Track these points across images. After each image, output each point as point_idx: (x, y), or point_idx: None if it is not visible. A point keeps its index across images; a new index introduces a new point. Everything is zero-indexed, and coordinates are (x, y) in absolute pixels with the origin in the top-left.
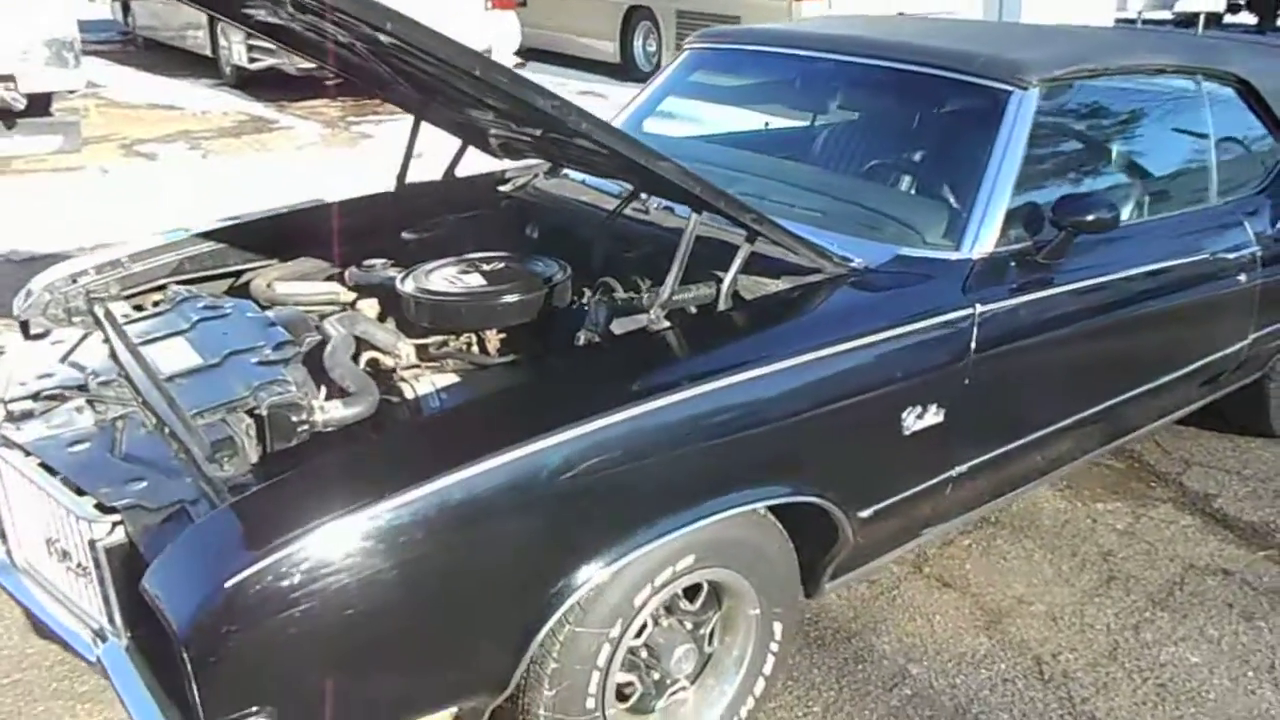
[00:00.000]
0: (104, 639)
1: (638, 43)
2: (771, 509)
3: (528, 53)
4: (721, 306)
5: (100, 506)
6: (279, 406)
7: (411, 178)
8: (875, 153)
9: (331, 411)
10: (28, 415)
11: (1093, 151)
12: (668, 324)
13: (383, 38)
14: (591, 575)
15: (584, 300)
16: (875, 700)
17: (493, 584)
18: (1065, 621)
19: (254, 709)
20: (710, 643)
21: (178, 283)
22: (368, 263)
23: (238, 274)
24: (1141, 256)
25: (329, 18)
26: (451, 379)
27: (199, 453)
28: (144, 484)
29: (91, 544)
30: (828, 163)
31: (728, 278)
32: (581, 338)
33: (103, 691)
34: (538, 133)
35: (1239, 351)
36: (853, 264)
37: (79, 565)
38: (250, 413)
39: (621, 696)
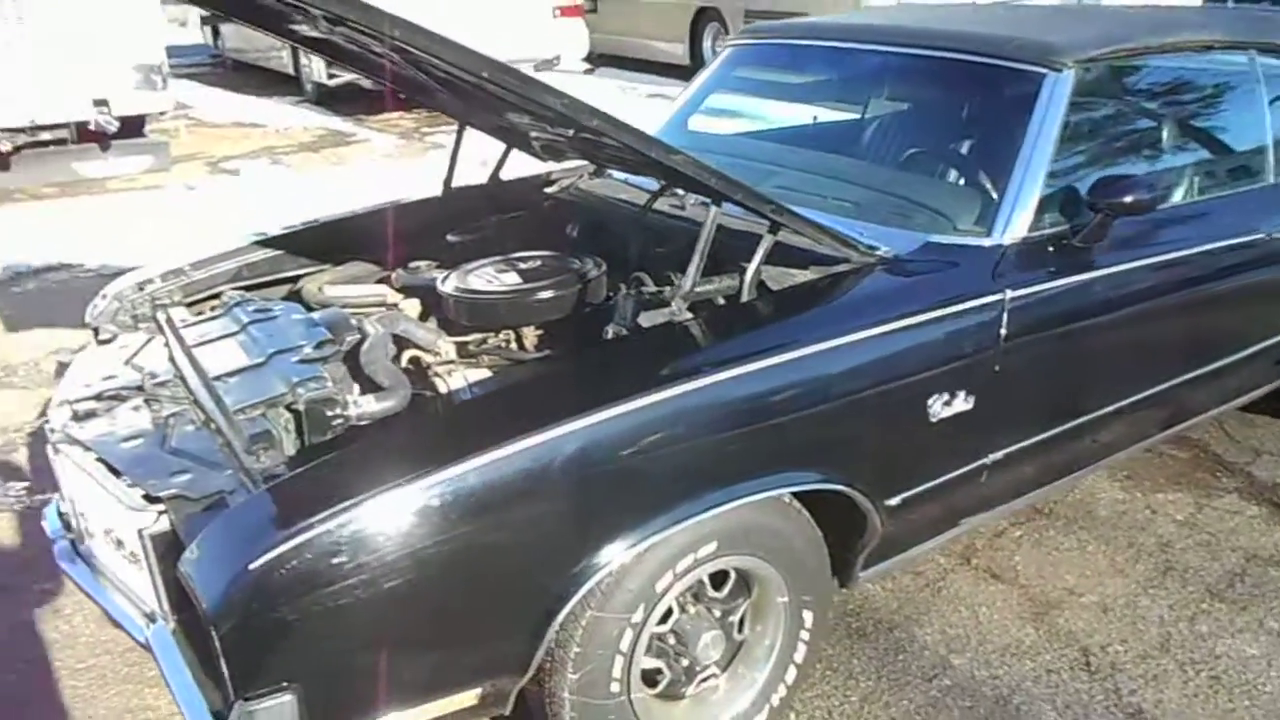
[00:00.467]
0: (153, 622)
1: (707, 44)
2: (798, 497)
3: (598, 58)
4: (746, 297)
5: (147, 497)
6: (315, 401)
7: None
8: (910, 142)
9: (365, 406)
10: (90, 414)
11: (1134, 132)
12: (690, 315)
13: (387, 43)
14: (611, 559)
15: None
16: (914, 690)
17: (514, 567)
18: (1116, 613)
19: (282, 686)
20: (740, 630)
21: (236, 288)
22: (413, 265)
23: (294, 279)
24: (1188, 238)
25: (347, 25)
26: (484, 374)
27: (238, 445)
28: (188, 476)
29: (139, 532)
30: (863, 153)
31: (751, 268)
32: (610, 331)
33: None
34: (570, 133)
35: None
36: (880, 252)
37: (131, 553)
38: (289, 408)
39: (651, 683)
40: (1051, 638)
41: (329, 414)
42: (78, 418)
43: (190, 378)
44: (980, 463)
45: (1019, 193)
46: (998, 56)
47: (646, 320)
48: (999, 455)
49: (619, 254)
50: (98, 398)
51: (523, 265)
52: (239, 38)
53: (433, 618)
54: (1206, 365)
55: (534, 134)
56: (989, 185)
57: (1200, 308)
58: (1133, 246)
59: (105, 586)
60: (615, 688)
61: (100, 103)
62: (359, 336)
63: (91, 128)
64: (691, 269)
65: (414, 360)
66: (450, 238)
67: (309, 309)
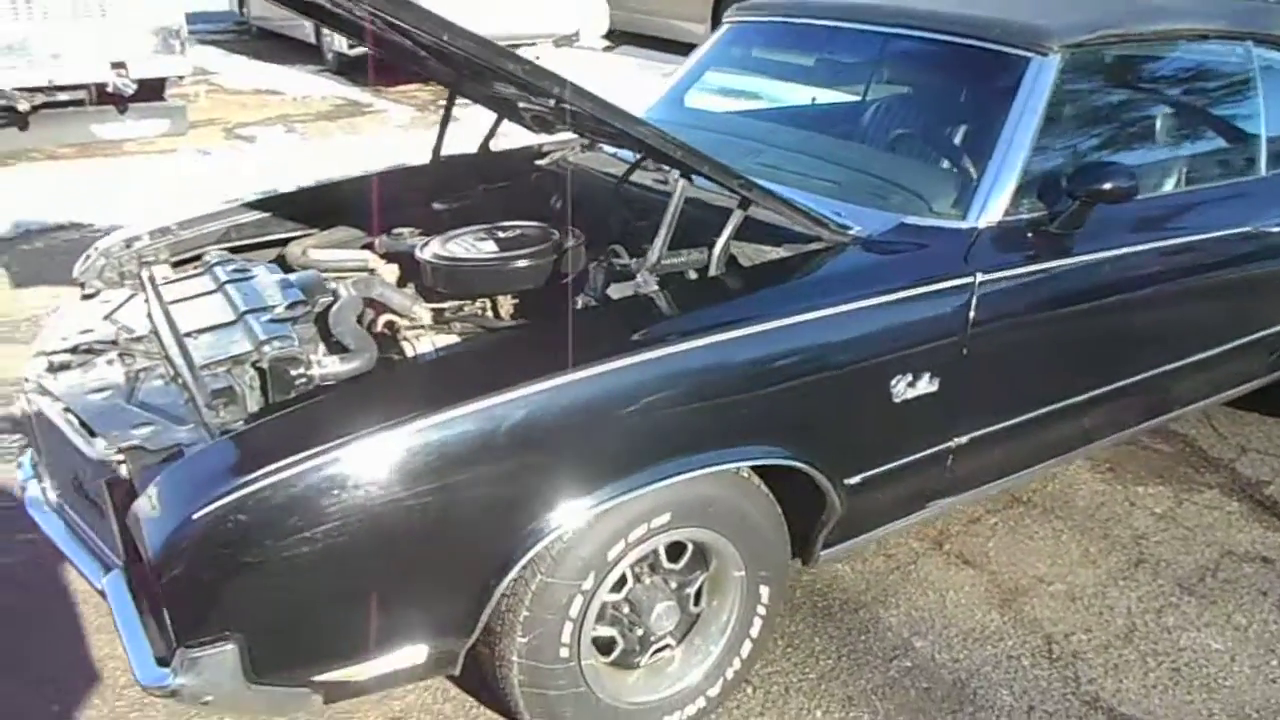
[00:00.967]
0: (109, 570)
1: None
2: (757, 473)
3: (620, 36)
4: (714, 271)
5: (109, 448)
6: (279, 360)
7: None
8: (895, 122)
9: (329, 366)
10: (65, 366)
11: (1120, 120)
12: (657, 287)
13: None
14: (559, 524)
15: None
16: (873, 670)
17: (462, 527)
18: (1084, 602)
19: (224, 635)
20: (697, 603)
21: (224, 249)
22: (396, 231)
23: (281, 242)
24: (1171, 229)
25: None
26: (452, 339)
27: (200, 400)
28: (151, 429)
29: (100, 482)
30: (848, 133)
31: (719, 243)
32: (579, 301)
33: None
34: (550, 103)
35: None
36: (852, 232)
37: (93, 502)
38: (255, 365)
39: (605, 651)
40: (1016, 624)
41: (292, 373)
42: (53, 369)
43: (164, 333)
44: (945, 446)
45: (996, 177)
46: (983, 39)
47: (615, 291)
48: (965, 439)
49: (600, 226)
50: (74, 350)
51: (501, 234)
52: (263, 5)
53: (379, 574)
54: (1186, 358)
55: (521, 104)
56: (967, 168)
57: (1181, 300)
58: (1113, 235)
59: (67, 534)
60: (564, 653)
61: (118, 65)
62: (331, 299)
63: (109, 90)
64: (658, 242)
65: (389, 325)
66: (436, 206)
67: (290, 271)
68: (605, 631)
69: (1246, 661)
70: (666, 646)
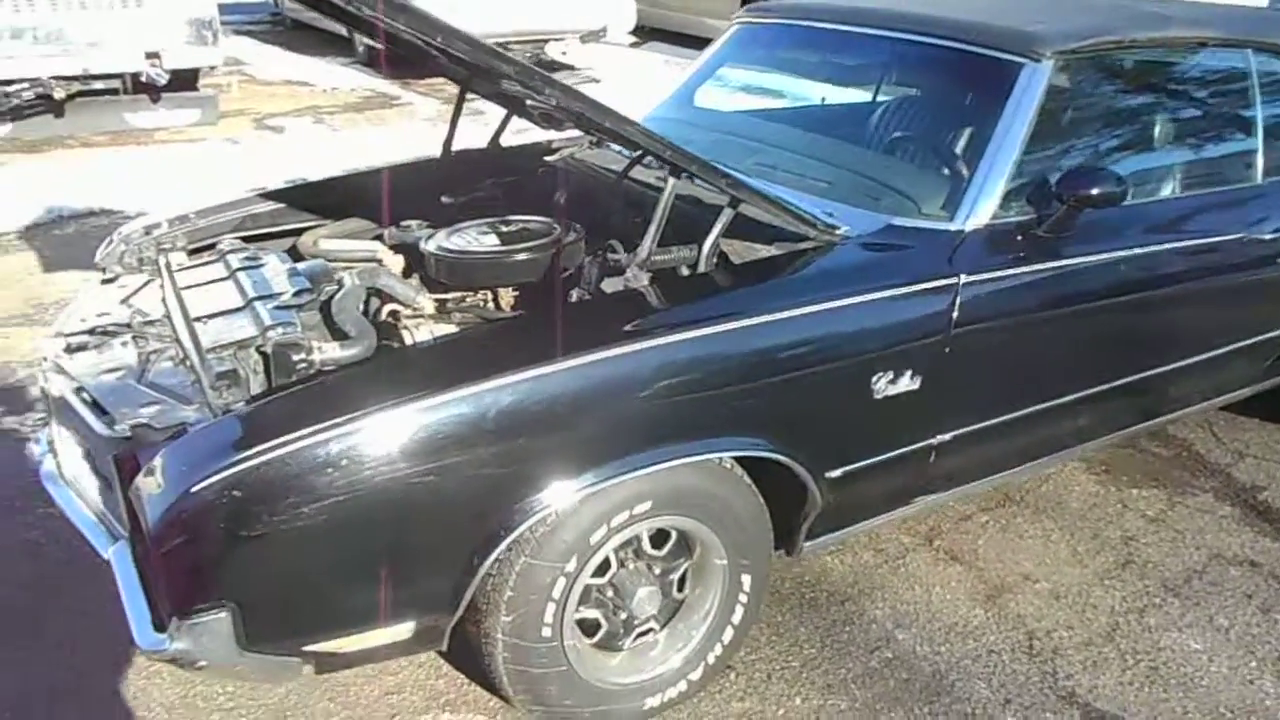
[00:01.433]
0: (116, 540)
1: None
2: (739, 464)
3: (650, 32)
4: (703, 267)
5: (117, 425)
6: (282, 345)
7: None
8: (890, 125)
9: (329, 352)
10: (81, 347)
11: (1113, 127)
12: (647, 282)
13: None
14: (543, 507)
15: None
16: (855, 660)
17: (449, 508)
18: (1068, 601)
19: (219, 604)
20: (680, 590)
21: (239, 238)
22: (404, 223)
23: (294, 232)
24: (1161, 235)
25: None
26: (451, 329)
27: (205, 381)
28: (158, 408)
29: (106, 456)
30: (845, 134)
31: (708, 240)
32: (574, 295)
33: None
34: (553, 101)
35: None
36: (839, 231)
37: (103, 476)
38: (258, 349)
39: (590, 632)
40: (999, 620)
41: (294, 358)
42: (69, 350)
43: (175, 318)
44: (927, 443)
45: (985, 180)
46: (977, 44)
47: (608, 285)
48: (948, 437)
49: (603, 222)
50: (90, 332)
51: (504, 228)
52: None
53: (368, 550)
54: (1174, 363)
55: (529, 101)
56: (957, 171)
57: (1170, 305)
58: (1101, 239)
59: (78, 506)
60: (547, 632)
61: (152, 55)
62: (337, 288)
63: (143, 79)
64: (647, 238)
65: (393, 314)
66: (444, 199)
67: (301, 260)
68: (590, 614)
69: (1225, 662)
70: (650, 630)
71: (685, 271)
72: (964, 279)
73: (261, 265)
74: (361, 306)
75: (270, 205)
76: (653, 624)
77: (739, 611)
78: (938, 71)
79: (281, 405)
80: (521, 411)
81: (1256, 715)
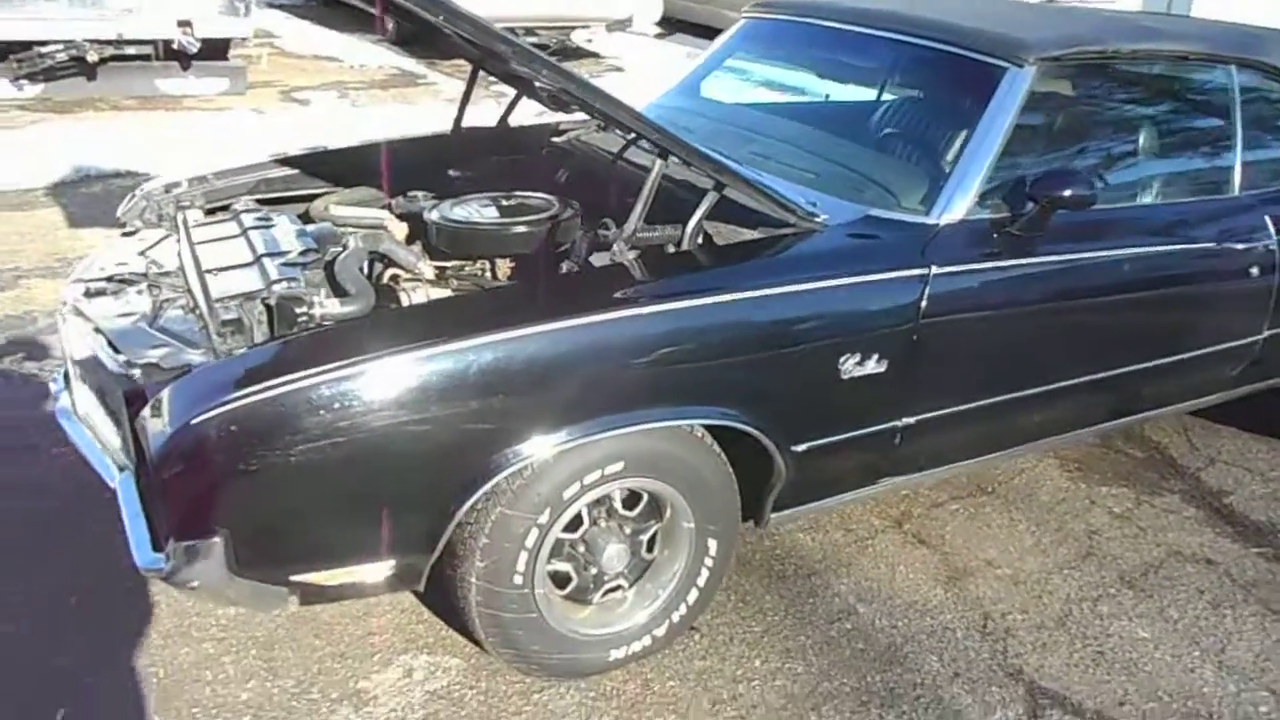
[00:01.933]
0: (122, 471)
1: None
2: (710, 433)
3: (676, 24)
4: (687, 246)
5: (128, 363)
6: (285, 298)
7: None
8: (879, 121)
9: (329, 307)
10: (100, 293)
11: (1091, 132)
12: (633, 257)
13: None
14: (519, 459)
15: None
16: (815, 629)
17: (431, 454)
18: (1026, 587)
19: (212, 529)
20: (650, 550)
21: (254, 200)
22: (411, 194)
23: (309, 197)
24: (1133, 239)
25: None
26: (446, 294)
27: (212, 328)
28: (166, 350)
29: (117, 393)
30: (836, 128)
31: (692, 221)
32: (564, 267)
33: None
34: (550, 81)
35: (1248, 347)
36: (819, 219)
37: (113, 411)
38: (263, 301)
39: (561, 585)
40: (958, 600)
41: (296, 310)
42: (88, 295)
43: (189, 270)
44: (892, 425)
45: (963, 178)
46: (965, 47)
47: (596, 259)
48: (912, 421)
49: (598, 201)
50: (109, 280)
51: (505, 202)
52: None
53: (353, 490)
54: (1139, 364)
55: (538, 83)
56: (936, 168)
57: (1137, 308)
58: (1073, 240)
59: (89, 439)
60: (518, 580)
61: (184, 24)
62: (341, 249)
63: (174, 47)
64: (633, 216)
65: (394, 278)
66: (451, 173)
67: (309, 222)
68: (562, 567)
69: (1169, 650)
70: (619, 587)
71: (671, 250)
72: (935, 270)
73: (272, 225)
74: (365, 269)
75: (285, 171)
76: (621, 581)
77: (704, 574)
78: (926, 71)
79: (280, 350)
80: (503, 369)
81: (1193, 700)
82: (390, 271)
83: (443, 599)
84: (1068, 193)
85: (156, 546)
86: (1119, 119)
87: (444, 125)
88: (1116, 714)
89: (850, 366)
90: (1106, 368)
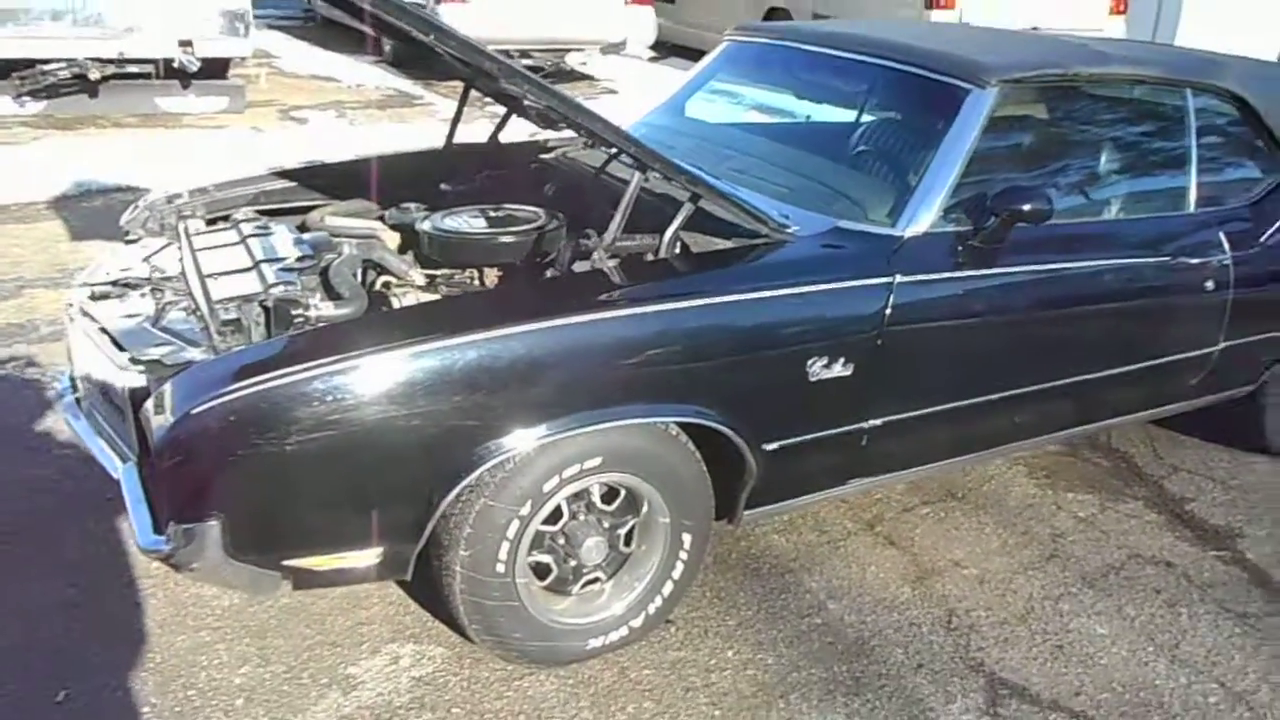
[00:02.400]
0: (124, 461)
1: None
2: (685, 431)
3: (673, 48)
4: (663, 254)
5: (132, 360)
6: (282, 300)
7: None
8: (850, 138)
9: (323, 310)
10: (105, 296)
11: (1050, 150)
12: (612, 264)
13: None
14: (500, 453)
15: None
16: (786, 624)
17: (417, 446)
18: (990, 586)
19: (210, 513)
20: (627, 544)
21: (253, 211)
22: (404, 205)
23: (306, 208)
24: (1090, 252)
25: None
26: (433, 297)
27: (212, 328)
28: (169, 348)
29: (121, 387)
30: (809, 145)
31: (669, 230)
32: (548, 273)
33: None
34: (535, 98)
35: (1204, 358)
36: (790, 229)
37: (117, 406)
38: (261, 304)
39: (542, 575)
40: (924, 598)
41: (292, 312)
42: (94, 298)
43: (190, 274)
44: (859, 426)
45: (927, 192)
46: (931, 69)
47: (578, 267)
48: (878, 423)
49: (582, 213)
50: (113, 284)
51: (493, 214)
52: None
53: (343, 479)
54: (1097, 373)
55: (526, 100)
56: (903, 182)
57: (1094, 319)
58: (1034, 253)
59: (94, 434)
60: (500, 568)
61: (185, 43)
62: (336, 256)
63: (175, 65)
64: (612, 225)
65: (385, 284)
66: (443, 186)
67: (305, 232)
68: (542, 558)
69: (1125, 646)
70: (597, 579)
71: (649, 258)
72: (899, 279)
73: (270, 234)
74: (359, 275)
75: (283, 183)
76: (600, 573)
77: (679, 567)
78: (895, 92)
79: (276, 347)
80: (487, 366)
81: (1145, 691)
82: (383, 278)
83: (429, 588)
84: (1027, 207)
85: (157, 530)
86: (1078, 138)
87: (438, 142)
88: (1072, 704)
89: (818, 369)
90: (1066, 375)
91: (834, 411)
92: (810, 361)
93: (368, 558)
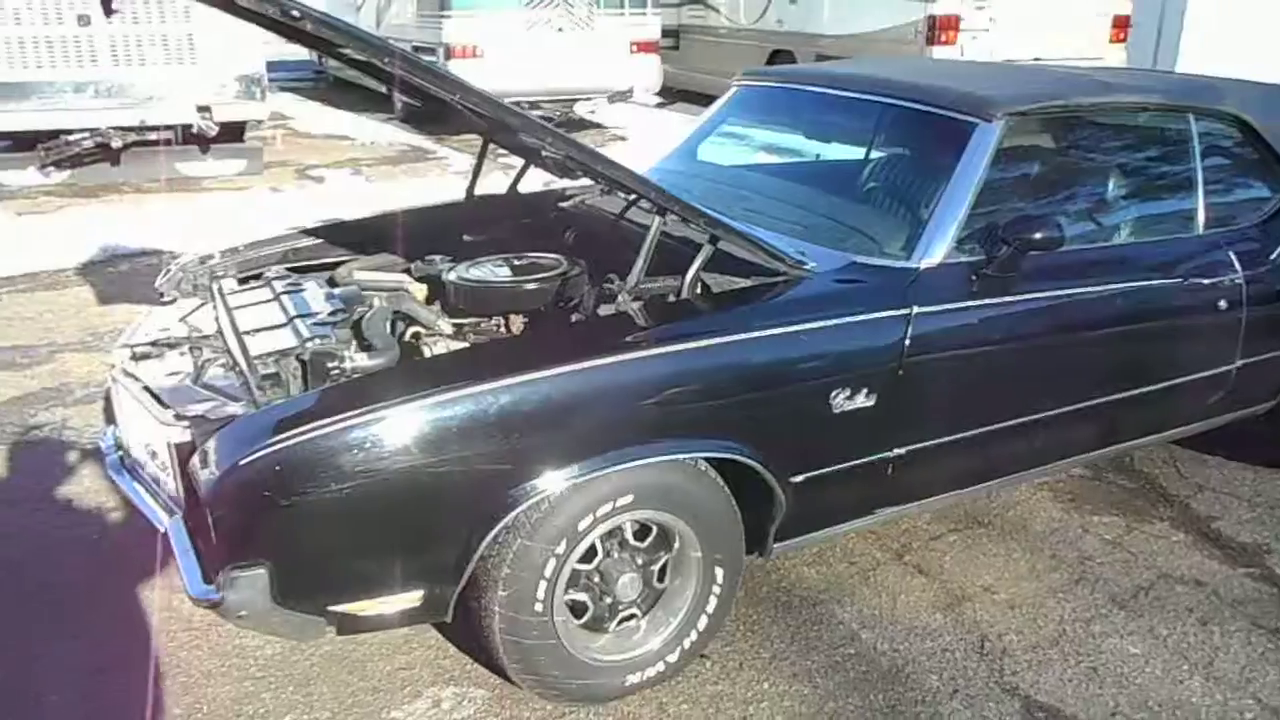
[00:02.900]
0: (171, 515)
1: None
2: (713, 466)
3: (678, 94)
4: (685, 295)
5: (177, 416)
6: (318, 354)
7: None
8: (861, 175)
9: (359, 361)
10: (145, 356)
11: (1058, 179)
12: (636, 307)
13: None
14: (536, 494)
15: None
16: (819, 654)
17: (455, 491)
18: (1022, 610)
19: (257, 561)
20: (661, 580)
21: (283, 268)
22: (429, 257)
23: (332, 265)
24: (1103, 277)
25: (341, 48)
26: (462, 345)
27: (252, 383)
28: (212, 403)
29: (168, 443)
30: (821, 184)
31: (690, 271)
32: (573, 318)
33: None
34: (556, 149)
35: (1222, 377)
36: (808, 266)
37: (161, 461)
38: (298, 358)
39: (579, 614)
40: (956, 625)
41: (328, 365)
42: (135, 358)
43: (226, 331)
44: (884, 456)
45: (940, 224)
46: (937, 105)
47: (603, 310)
48: (902, 451)
49: (603, 258)
50: (153, 344)
51: (517, 262)
52: None
53: (384, 524)
54: (1116, 395)
55: (544, 151)
56: (915, 216)
57: (1110, 342)
58: (1048, 280)
59: (139, 490)
60: (539, 608)
61: (203, 109)
62: (367, 309)
63: (194, 131)
64: (636, 268)
65: (415, 335)
66: (466, 237)
67: (335, 286)
68: (579, 597)
69: (1159, 665)
70: (633, 616)
71: (671, 299)
72: (916, 310)
73: (302, 290)
74: (388, 326)
75: (311, 240)
76: (635, 610)
77: (713, 602)
78: (904, 129)
79: (315, 399)
80: (518, 410)
81: (1181, 710)
82: (412, 329)
83: (468, 629)
84: (1038, 235)
85: (206, 579)
86: (1085, 167)
87: (456, 195)
88: None
89: (841, 401)
90: (1085, 399)
91: (859, 442)
92: (833, 394)
93: (410, 601)
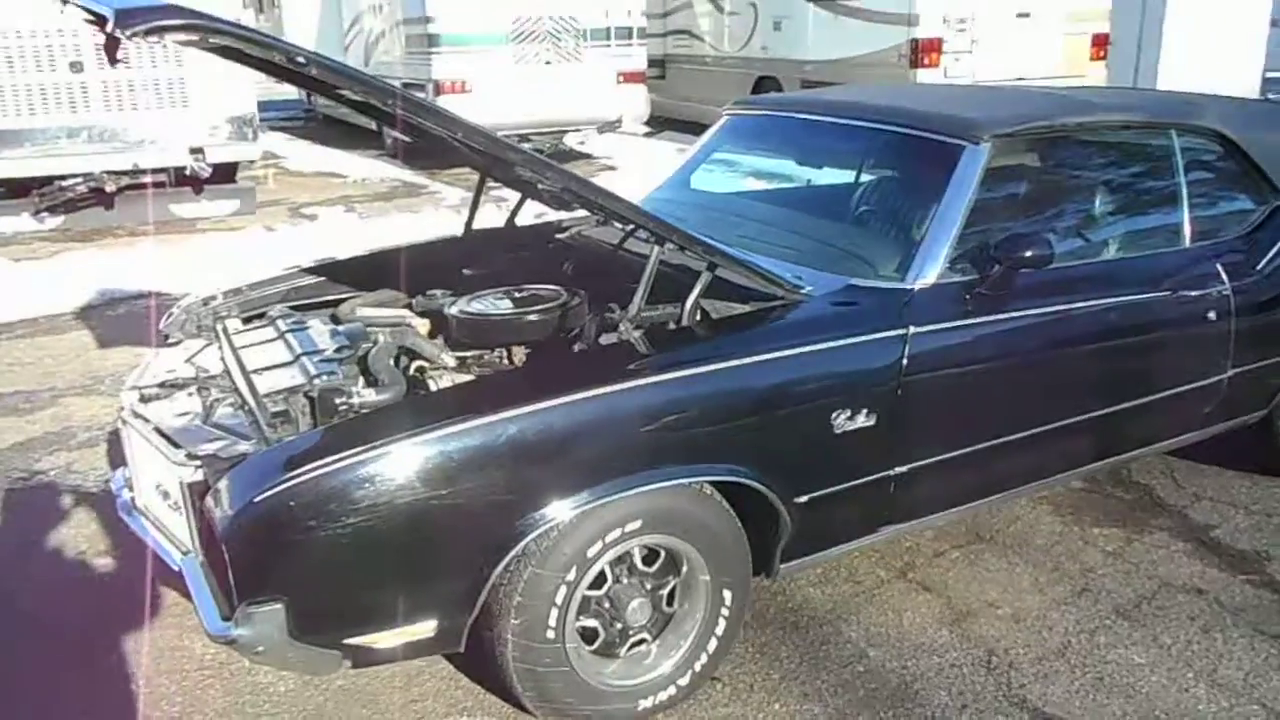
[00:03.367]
0: (185, 554)
1: None
2: (718, 489)
3: (667, 122)
4: (686, 322)
5: (189, 456)
6: (326, 390)
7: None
8: (853, 200)
9: (366, 396)
10: (154, 397)
11: (1046, 198)
12: (638, 335)
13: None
14: (544, 522)
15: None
16: (829, 673)
17: (465, 522)
18: (1026, 623)
19: (273, 597)
20: (670, 604)
21: (286, 307)
22: (430, 292)
23: (334, 302)
24: (1093, 292)
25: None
26: (467, 378)
27: (262, 420)
28: (223, 443)
29: (181, 483)
30: (814, 209)
31: (689, 299)
32: (575, 348)
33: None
34: (555, 183)
35: (1214, 387)
36: (804, 290)
37: (174, 502)
38: (306, 394)
39: (590, 640)
40: (962, 640)
41: (336, 401)
42: (144, 400)
43: (234, 371)
44: (886, 474)
45: (932, 245)
46: (925, 129)
47: (604, 339)
48: (904, 469)
49: (602, 288)
50: (161, 385)
51: (517, 295)
52: None
53: (398, 557)
54: (1110, 408)
55: (540, 185)
56: (908, 238)
57: (1102, 356)
58: (1040, 296)
59: (151, 530)
60: (551, 634)
61: (196, 151)
62: (372, 345)
63: (187, 173)
64: (637, 297)
65: (419, 369)
66: (465, 271)
67: (338, 323)
68: (590, 623)
69: (1165, 674)
70: (643, 640)
71: (672, 326)
72: (913, 330)
73: (307, 327)
74: (394, 361)
75: (313, 279)
76: (645, 634)
77: (722, 624)
78: (893, 153)
79: (325, 435)
80: (525, 439)
81: (1188, 717)
82: (417, 363)
83: (481, 659)
84: (1029, 253)
85: (223, 616)
86: (1072, 184)
87: (449, 229)
88: None
89: (842, 422)
90: (1081, 412)
91: (861, 461)
92: (834, 414)
93: (424, 631)
